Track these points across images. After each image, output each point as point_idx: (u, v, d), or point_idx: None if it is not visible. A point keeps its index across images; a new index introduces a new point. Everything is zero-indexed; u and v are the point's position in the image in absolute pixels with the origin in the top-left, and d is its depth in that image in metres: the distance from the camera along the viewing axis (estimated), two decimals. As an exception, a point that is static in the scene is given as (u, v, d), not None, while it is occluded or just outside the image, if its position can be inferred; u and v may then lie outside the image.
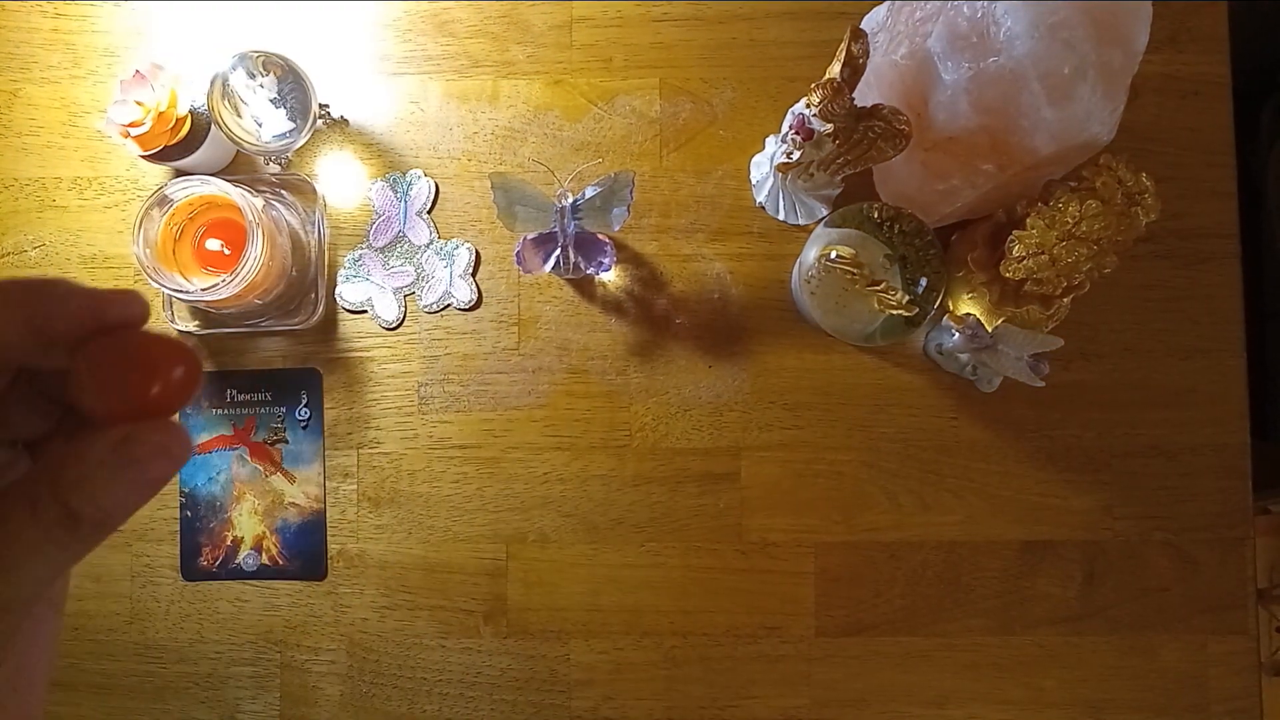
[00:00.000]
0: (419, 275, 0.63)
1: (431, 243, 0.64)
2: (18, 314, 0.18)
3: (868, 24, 0.57)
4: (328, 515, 0.63)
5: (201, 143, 0.60)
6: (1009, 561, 0.62)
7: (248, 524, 0.63)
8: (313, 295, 0.62)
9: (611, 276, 0.63)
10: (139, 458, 0.17)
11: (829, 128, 0.52)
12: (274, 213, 0.58)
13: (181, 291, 0.54)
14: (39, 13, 0.65)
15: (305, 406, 0.63)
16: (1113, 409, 0.62)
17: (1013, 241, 0.52)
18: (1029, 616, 0.61)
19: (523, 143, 0.64)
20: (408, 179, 0.64)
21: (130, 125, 0.56)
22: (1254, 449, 0.62)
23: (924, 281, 0.55)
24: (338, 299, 0.63)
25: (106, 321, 0.18)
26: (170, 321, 0.62)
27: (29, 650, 0.21)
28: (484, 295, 0.63)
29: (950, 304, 0.60)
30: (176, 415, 0.18)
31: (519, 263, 0.59)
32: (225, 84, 0.57)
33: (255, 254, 0.53)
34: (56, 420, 0.22)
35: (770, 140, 0.62)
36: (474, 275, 0.63)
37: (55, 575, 0.17)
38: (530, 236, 0.59)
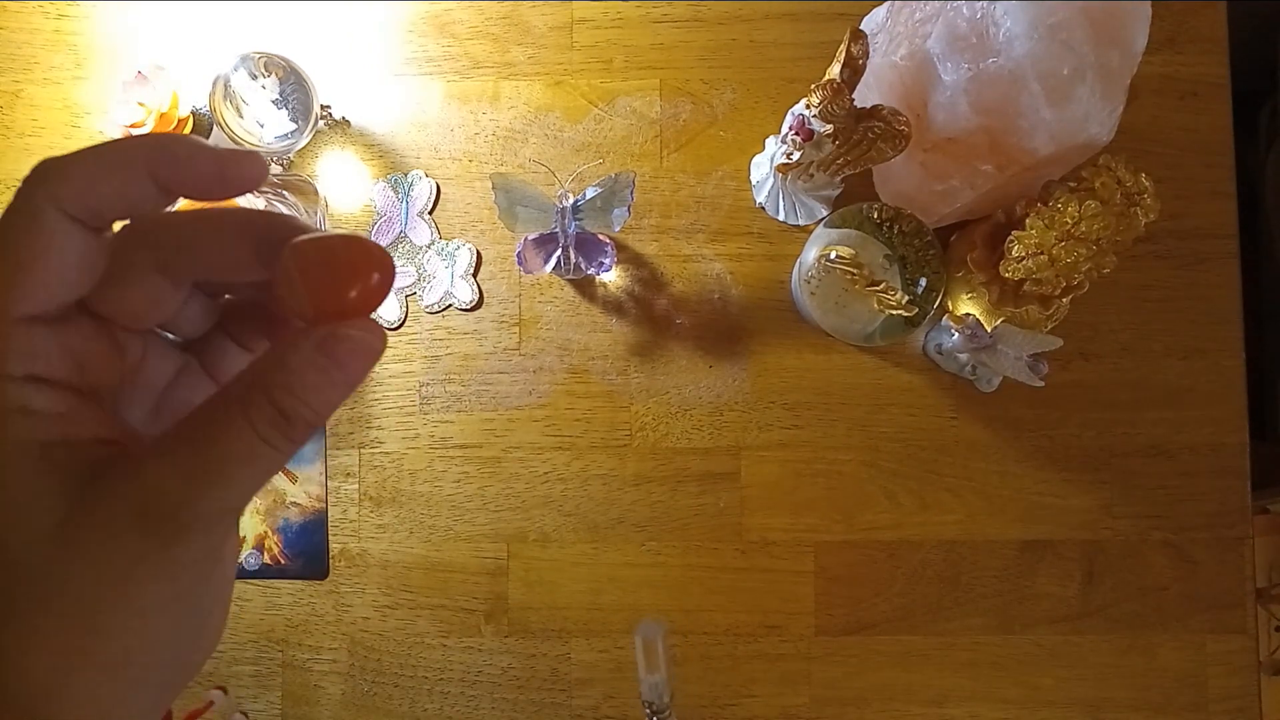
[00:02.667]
0: (420, 275, 0.64)
1: (433, 243, 0.64)
2: (141, 171, 0.18)
3: (867, 25, 0.57)
4: (329, 514, 0.63)
5: (203, 143, 0.60)
6: (1008, 561, 0.62)
7: (249, 523, 0.63)
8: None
9: (612, 277, 0.64)
10: (343, 356, 0.17)
11: (829, 128, 0.52)
12: (276, 213, 0.58)
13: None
14: (41, 14, 0.65)
15: (307, 406, 0.63)
16: (1112, 409, 0.62)
17: (1012, 242, 0.52)
18: (1028, 615, 0.62)
19: (524, 143, 0.64)
20: (409, 180, 0.64)
21: (132, 126, 0.57)
22: (1252, 449, 0.62)
23: (923, 282, 0.55)
24: (339, 299, 0.63)
25: (227, 179, 0.18)
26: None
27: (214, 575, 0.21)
28: (485, 295, 0.64)
29: (950, 304, 0.60)
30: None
31: (520, 263, 0.59)
32: (227, 85, 0.57)
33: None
34: (217, 319, 0.22)
35: (770, 141, 0.63)
36: (475, 276, 0.64)
37: (266, 479, 0.17)
38: (531, 237, 0.59)
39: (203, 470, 0.17)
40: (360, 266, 0.18)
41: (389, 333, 0.63)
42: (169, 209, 0.19)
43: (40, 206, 0.17)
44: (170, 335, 0.21)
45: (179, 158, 0.18)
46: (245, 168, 0.18)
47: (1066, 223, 0.50)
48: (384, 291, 0.18)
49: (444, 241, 0.64)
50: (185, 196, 0.18)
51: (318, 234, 0.18)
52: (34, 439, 0.17)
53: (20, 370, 0.17)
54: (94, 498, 0.17)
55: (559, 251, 0.59)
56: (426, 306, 0.63)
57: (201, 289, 0.21)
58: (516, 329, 0.63)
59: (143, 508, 0.17)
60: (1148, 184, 0.50)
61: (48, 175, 0.17)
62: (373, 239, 0.63)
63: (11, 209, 0.17)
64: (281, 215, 0.19)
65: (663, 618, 0.62)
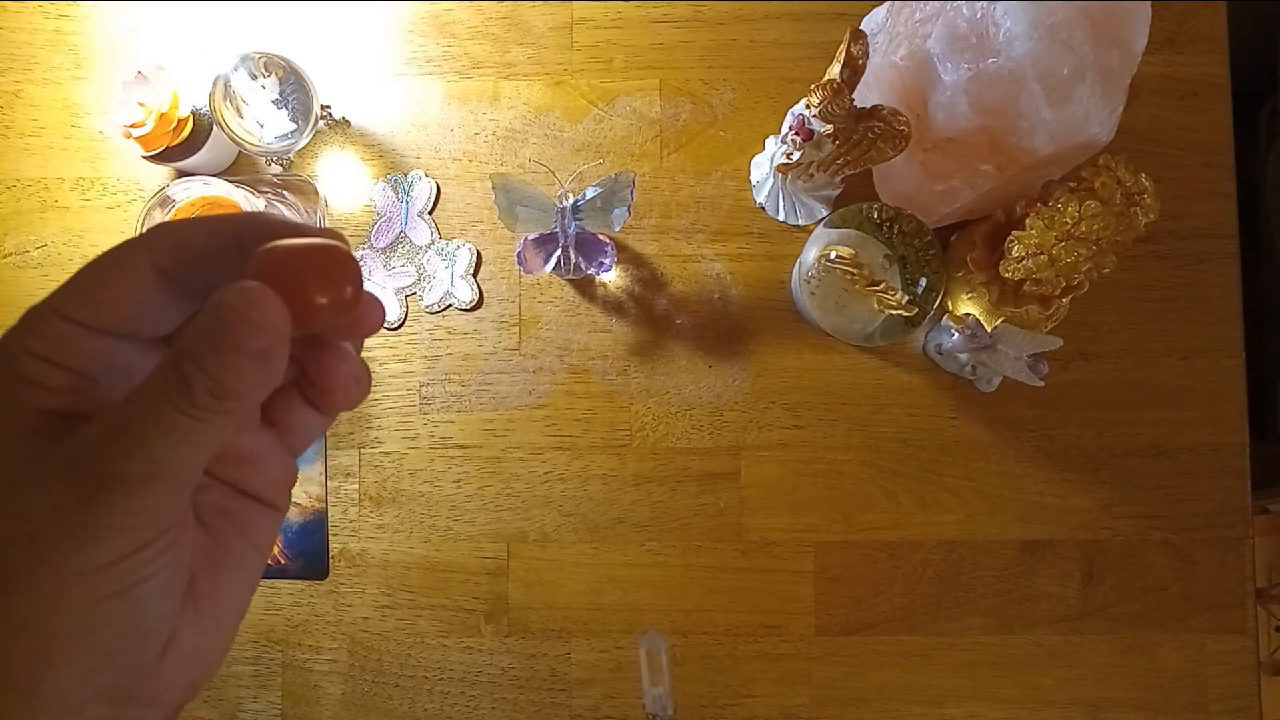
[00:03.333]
0: (420, 276, 0.64)
1: (433, 243, 0.64)
2: (229, 236, 0.19)
3: (867, 25, 0.57)
4: (329, 514, 0.63)
5: (203, 144, 0.60)
6: (1008, 561, 0.62)
7: (249, 523, 0.63)
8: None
9: (612, 277, 0.64)
10: (229, 321, 0.17)
11: (829, 128, 0.52)
12: (276, 213, 0.58)
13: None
14: (41, 14, 0.65)
15: (307, 406, 0.63)
16: (1112, 409, 0.62)
17: (1012, 242, 0.52)
18: (1028, 615, 0.62)
19: (524, 143, 0.64)
20: (409, 180, 0.64)
21: (132, 126, 0.57)
22: (1252, 449, 0.62)
23: (923, 282, 0.55)
24: (339, 299, 0.63)
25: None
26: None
27: (218, 585, 0.20)
28: (485, 295, 0.64)
29: (950, 304, 0.60)
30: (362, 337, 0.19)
31: (520, 263, 0.59)
32: (227, 85, 0.57)
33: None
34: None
35: (770, 141, 0.63)
36: (475, 276, 0.64)
37: (194, 450, 0.17)
38: (531, 237, 0.59)
39: (124, 428, 0.17)
40: (322, 277, 0.18)
41: (390, 333, 0.63)
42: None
43: (134, 249, 0.19)
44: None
45: (262, 225, 0.19)
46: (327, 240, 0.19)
47: (1066, 223, 0.50)
48: (352, 301, 0.19)
49: (444, 241, 0.64)
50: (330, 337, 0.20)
51: (283, 243, 0.18)
52: (34, 406, 0.18)
53: (44, 352, 0.18)
54: (41, 453, 0.17)
55: (559, 251, 0.59)
56: (426, 306, 0.63)
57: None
58: (516, 329, 0.63)
59: (73, 460, 0.17)
60: (1148, 184, 0.50)
61: (153, 231, 0.19)
62: (373, 239, 0.63)
63: (116, 247, 0.19)
64: (270, 217, 0.20)
65: (663, 618, 0.62)
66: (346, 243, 0.20)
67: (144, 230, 0.19)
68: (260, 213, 0.20)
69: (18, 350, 0.18)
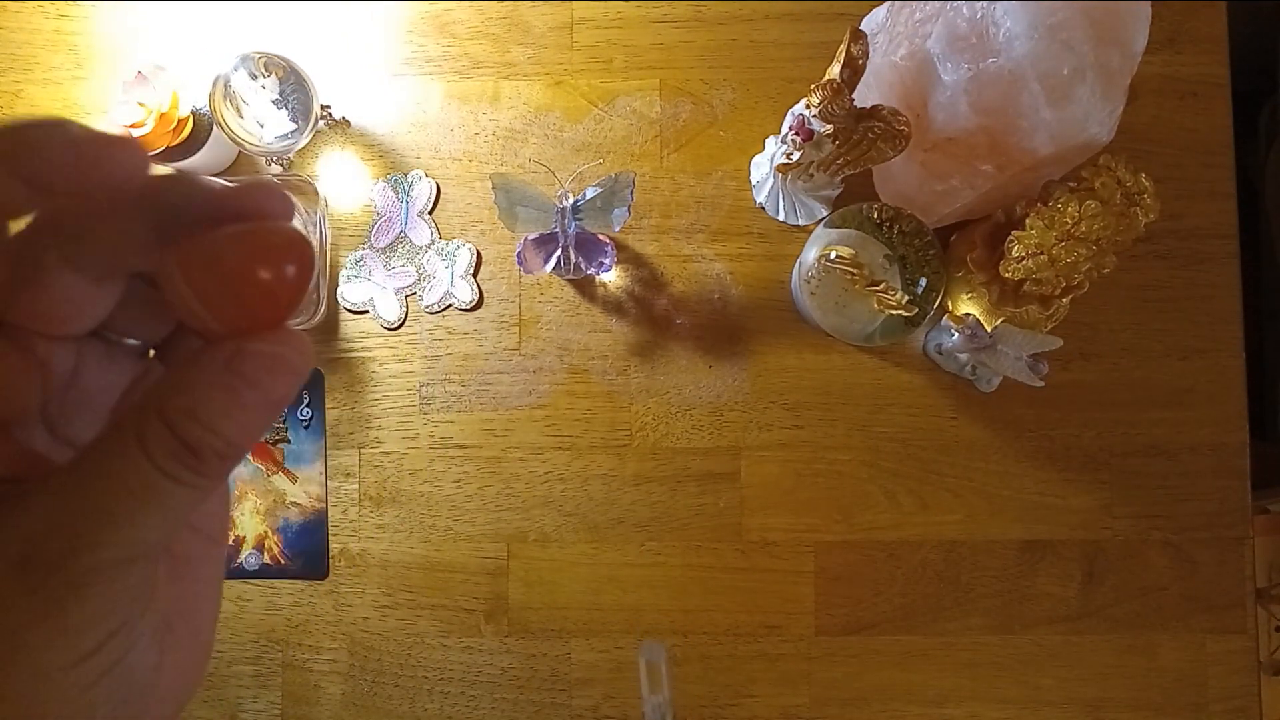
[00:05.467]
0: (420, 276, 0.64)
1: (433, 243, 0.64)
2: (143, 213, 0.15)
3: (867, 25, 0.57)
4: (329, 514, 0.63)
5: (203, 144, 0.60)
6: (1008, 561, 0.62)
7: (250, 523, 0.63)
8: (314, 296, 0.63)
9: (612, 277, 0.64)
10: (255, 373, 0.14)
11: (829, 128, 0.52)
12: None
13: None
14: (41, 14, 0.65)
15: (307, 406, 0.63)
16: (1112, 409, 0.62)
17: (1012, 242, 0.52)
18: (1028, 615, 0.62)
19: (524, 143, 0.64)
20: (409, 180, 0.64)
21: (132, 126, 0.57)
22: (1252, 448, 0.62)
23: (923, 282, 0.55)
24: (339, 299, 0.64)
25: (102, 174, 0.15)
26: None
27: (183, 595, 0.18)
28: (485, 295, 0.64)
29: (950, 304, 0.60)
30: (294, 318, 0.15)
31: (520, 263, 0.59)
32: (227, 85, 0.57)
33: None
34: (176, 320, 0.19)
35: (770, 141, 0.63)
36: (475, 276, 0.64)
37: (182, 516, 0.15)
38: (531, 237, 0.59)
39: (92, 512, 0.14)
40: (264, 265, 0.15)
41: (389, 333, 0.63)
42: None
43: (33, 239, 0.15)
44: (131, 340, 0.19)
45: (32, 144, 0.15)
46: (117, 156, 0.15)
47: (1066, 223, 0.50)
48: (302, 285, 0.15)
49: (444, 241, 0.64)
50: (55, 190, 0.15)
51: (204, 237, 0.15)
52: None
53: None
54: None
55: (559, 251, 0.59)
56: (426, 306, 0.63)
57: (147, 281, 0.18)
58: (516, 329, 0.63)
59: (25, 558, 0.14)
60: (1148, 184, 0.50)
61: (50, 215, 0.15)
62: (373, 239, 0.63)
63: (12, 238, 0.16)
64: (181, 179, 0.16)
65: (662, 618, 0.62)
66: (279, 193, 0.16)
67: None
68: (167, 182, 0.16)
69: None
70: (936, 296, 0.55)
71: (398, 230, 0.64)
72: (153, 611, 0.16)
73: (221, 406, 0.14)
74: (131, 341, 0.18)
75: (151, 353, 0.19)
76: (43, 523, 0.14)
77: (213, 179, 0.16)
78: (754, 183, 0.63)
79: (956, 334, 0.55)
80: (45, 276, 0.15)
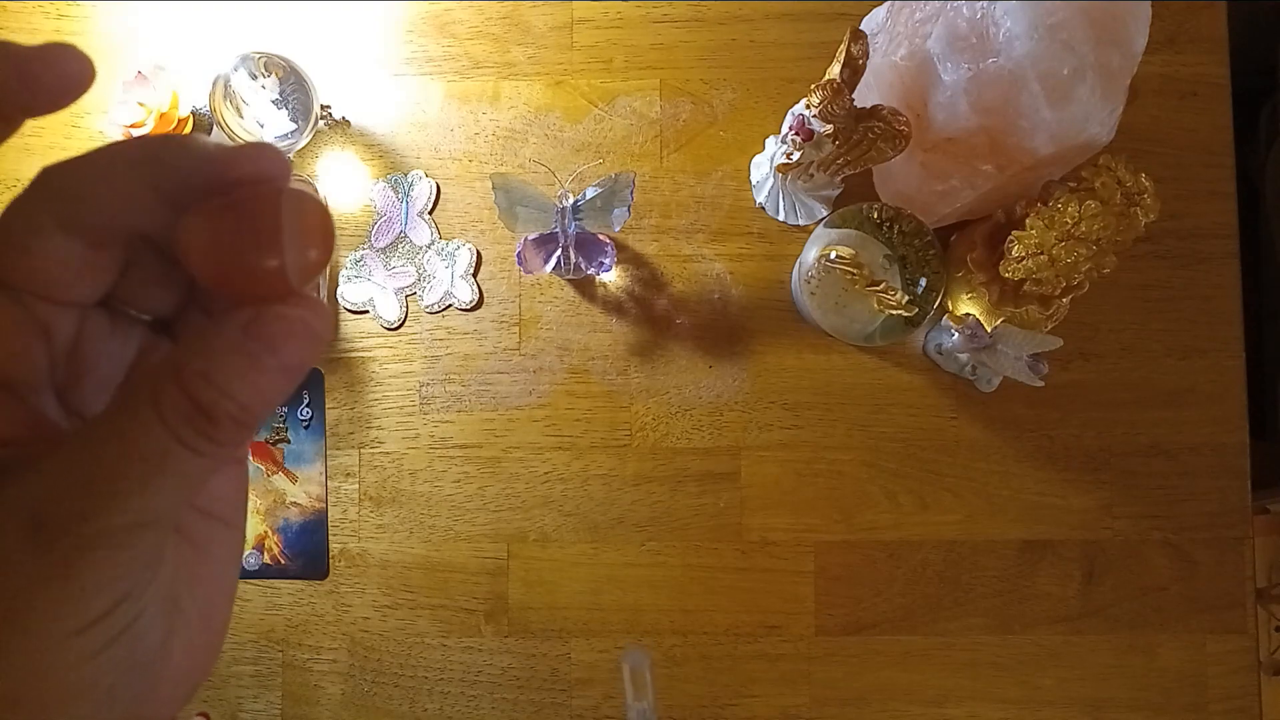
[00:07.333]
0: (420, 276, 0.64)
1: (433, 243, 0.64)
2: (139, 174, 0.15)
3: (867, 25, 0.57)
4: (329, 514, 0.63)
5: (203, 143, 0.60)
6: (1008, 561, 0.62)
7: (249, 523, 0.63)
8: (316, 291, 0.62)
9: (612, 277, 0.64)
10: (276, 338, 0.14)
11: (829, 128, 0.52)
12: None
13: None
14: (41, 14, 0.65)
15: (307, 406, 0.63)
16: (1112, 409, 0.62)
17: (1012, 242, 0.52)
18: (1028, 615, 0.62)
19: (524, 143, 0.64)
20: (409, 180, 0.64)
21: (132, 126, 0.57)
22: (1252, 448, 0.62)
23: (923, 282, 0.55)
24: (340, 299, 0.64)
25: (25, 76, 0.14)
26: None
27: (194, 576, 0.18)
28: (485, 295, 0.64)
29: (950, 304, 0.60)
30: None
31: (520, 263, 0.59)
32: (227, 85, 0.57)
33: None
34: (186, 292, 0.18)
35: (770, 141, 0.63)
36: (475, 276, 0.64)
37: (194, 485, 0.15)
38: (531, 237, 0.59)
39: (105, 476, 0.14)
40: (277, 235, 0.14)
41: (389, 333, 0.63)
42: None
43: (31, 202, 0.15)
44: (141, 314, 0.18)
45: (180, 160, 0.15)
46: (250, 164, 0.15)
47: (1066, 223, 0.50)
48: (325, 252, 0.15)
49: (444, 241, 0.64)
50: (20, 113, 0.15)
51: (213, 202, 0.15)
52: None
53: None
54: None
55: (559, 251, 0.59)
56: (426, 306, 0.63)
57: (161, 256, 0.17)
58: (516, 329, 0.63)
59: (36, 520, 0.14)
60: (1148, 184, 0.50)
61: (46, 176, 0.15)
62: (373, 239, 0.63)
63: (11, 204, 0.16)
64: (175, 139, 0.16)
65: (662, 618, 0.62)
66: (277, 154, 0.16)
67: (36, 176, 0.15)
68: (161, 141, 0.15)
69: None
70: (936, 296, 0.55)
71: (398, 230, 0.64)
72: (160, 583, 0.16)
73: (239, 371, 0.14)
74: (142, 316, 0.18)
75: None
76: (54, 486, 0.14)
77: (209, 139, 0.16)
78: (754, 183, 0.63)
79: (956, 334, 0.55)
80: (39, 238, 0.15)
